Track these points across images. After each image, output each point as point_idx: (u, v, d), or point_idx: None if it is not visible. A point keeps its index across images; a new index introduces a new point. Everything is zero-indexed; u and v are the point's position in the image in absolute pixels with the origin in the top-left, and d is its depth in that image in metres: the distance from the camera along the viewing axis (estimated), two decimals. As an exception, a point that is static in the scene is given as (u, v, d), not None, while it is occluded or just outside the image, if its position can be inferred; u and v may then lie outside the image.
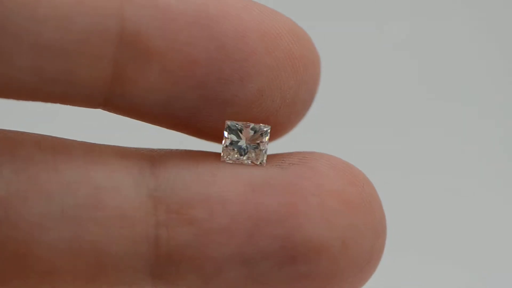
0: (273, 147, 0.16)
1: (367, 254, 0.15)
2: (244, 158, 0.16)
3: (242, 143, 0.16)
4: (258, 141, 0.16)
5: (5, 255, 0.14)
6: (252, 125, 0.16)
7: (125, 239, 0.15)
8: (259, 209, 0.15)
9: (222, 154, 0.16)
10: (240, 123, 0.16)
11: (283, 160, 0.16)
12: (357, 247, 0.15)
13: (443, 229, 0.41)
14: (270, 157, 0.16)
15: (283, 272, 0.15)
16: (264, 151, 0.16)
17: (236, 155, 0.16)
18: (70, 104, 0.15)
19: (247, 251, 0.15)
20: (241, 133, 0.16)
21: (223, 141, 0.16)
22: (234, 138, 0.16)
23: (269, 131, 0.16)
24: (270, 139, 0.16)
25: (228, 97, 0.15)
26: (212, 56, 0.15)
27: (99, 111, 0.16)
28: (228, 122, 0.15)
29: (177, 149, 0.16)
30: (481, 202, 0.43)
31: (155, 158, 0.16)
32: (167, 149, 0.16)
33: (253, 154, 0.16)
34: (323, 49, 0.17)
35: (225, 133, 0.16)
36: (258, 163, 0.16)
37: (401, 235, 0.29)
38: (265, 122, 0.16)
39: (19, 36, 0.14)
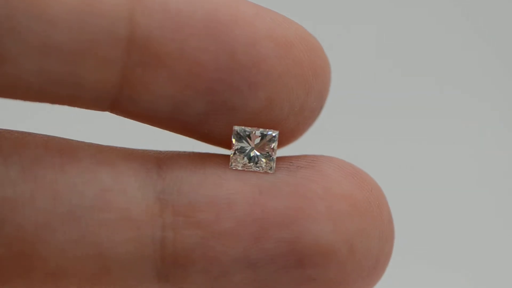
0: (281, 149, 0.16)
1: (375, 258, 0.15)
2: (253, 165, 0.15)
3: (251, 150, 0.15)
4: (267, 148, 0.15)
5: (10, 255, 0.14)
6: (260, 130, 0.15)
7: (131, 241, 0.15)
8: (266, 212, 0.15)
9: (230, 161, 0.15)
10: (248, 128, 0.15)
11: (291, 163, 0.16)
12: (364, 251, 0.15)
13: (450, 235, 0.41)
14: (279, 159, 0.16)
15: (290, 276, 0.15)
16: (273, 159, 0.16)
17: (244, 162, 0.15)
18: (77, 106, 0.15)
19: (253, 254, 0.15)
20: (250, 139, 0.15)
21: (232, 148, 0.15)
22: (243, 145, 0.15)
23: (277, 136, 0.16)
24: (278, 146, 0.16)
25: (236, 104, 0.15)
26: (221, 62, 0.15)
27: (106, 114, 0.16)
28: (236, 128, 0.15)
29: (184, 151, 0.16)
30: (486, 210, 0.43)
31: (162, 160, 0.16)
32: (174, 151, 0.16)
33: (262, 162, 0.15)
34: (332, 53, 0.16)
35: (233, 140, 0.15)
36: (267, 170, 0.15)
37: (408, 241, 0.29)
38: (273, 129, 0.16)
39: (27, 37, 0.13)
